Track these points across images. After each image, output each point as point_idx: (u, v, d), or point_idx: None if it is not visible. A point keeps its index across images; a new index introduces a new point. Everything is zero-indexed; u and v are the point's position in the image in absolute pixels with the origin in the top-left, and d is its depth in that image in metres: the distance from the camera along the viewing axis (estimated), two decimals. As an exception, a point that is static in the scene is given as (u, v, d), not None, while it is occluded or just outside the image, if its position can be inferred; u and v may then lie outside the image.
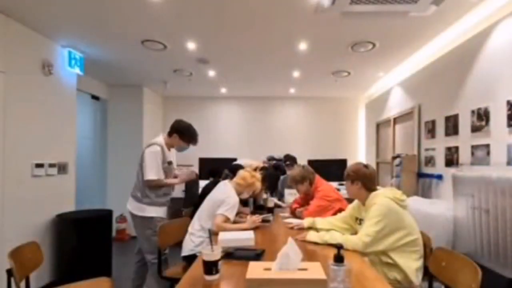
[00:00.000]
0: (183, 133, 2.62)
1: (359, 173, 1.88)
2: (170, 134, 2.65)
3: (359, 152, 6.00)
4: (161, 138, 2.63)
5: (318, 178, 2.81)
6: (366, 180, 1.87)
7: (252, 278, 1.08)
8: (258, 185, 2.41)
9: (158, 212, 2.53)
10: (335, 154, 5.80)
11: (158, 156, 2.49)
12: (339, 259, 1.10)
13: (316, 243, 1.81)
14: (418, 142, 3.67)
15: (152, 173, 2.44)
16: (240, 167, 2.91)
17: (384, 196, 1.76)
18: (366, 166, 1.92)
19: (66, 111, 3.42)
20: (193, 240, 2.14)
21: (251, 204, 3.01)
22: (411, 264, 1.69)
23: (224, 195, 2.21)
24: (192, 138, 2.65)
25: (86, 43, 3.32)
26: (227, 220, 2.12)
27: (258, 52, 3.58)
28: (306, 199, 2.83)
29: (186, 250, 2.15)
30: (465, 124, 2.80)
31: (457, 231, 2.63)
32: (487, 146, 2.50)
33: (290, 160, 4.33)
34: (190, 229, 2.22)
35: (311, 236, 1.86)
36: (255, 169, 2.67)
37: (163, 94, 5.77)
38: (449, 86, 3.07)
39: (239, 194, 2.30)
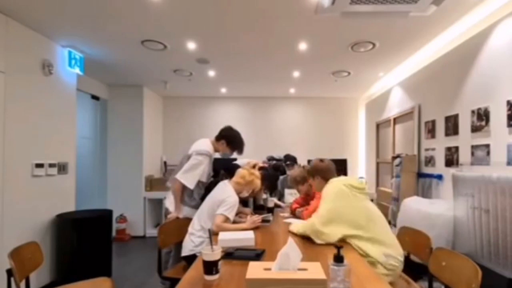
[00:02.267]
0: (231, 141, 2.66)
1: (316, 168, 2.12)
2: (218, 139, 2.69)
3: (359, 152, 6.00)
4: (210, 145, 2.66)
5: (318, 178, 2.81)
6: (323, 173, 2.09)
7: (252, 278, 1.07)
8: (258, 182, 2.40)
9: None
10: (335, 154, 5.80)
11: (201, 166, 2.53)
12: (339, 259, 1.10)
13: (316, 244, 1.81)
14: (418, 142, 3.67)
15: (185, 178, 2.47)
16: (237, 166, 2.92)
17: (336, 181, 1.90)
18: (322, 160, 2.15)
19: (66, 111, 3.42)
20: (193, 240, 2.14)
21: (251, 204, 3.00)
22: (374, 249, 1.67)
23: (224, 195, 2.21)
24: (238, 147, 2.69)
25: (86, 43, 3.32)
26: (226, 220, 2.12)
27: (258, 52, 3.58)
28: (306, 199, 2.83)
29: (186, 250, 2.15)
30: (465, 124, 2.80)
31: (457, 231, 2.63)
32: (487, 146, 2.50)
33: (290, 160, 4.33)
34: (190, 229, 2.22)
35: (292, 227, 2.02)
36: (253, 167, 2.66)
37: (163, 94, 5.77)
38: (449, 86, 3.07)
39: (238, 193, 2.30)
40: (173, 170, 2.86)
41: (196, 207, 2.54)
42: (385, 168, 4.68)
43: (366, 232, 1.71)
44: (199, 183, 2.57)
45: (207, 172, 2.64)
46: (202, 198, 2.42)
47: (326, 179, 2.02)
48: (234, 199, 2.20)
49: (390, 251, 1.68)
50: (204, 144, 2.64)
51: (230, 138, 2.67)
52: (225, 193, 2.23)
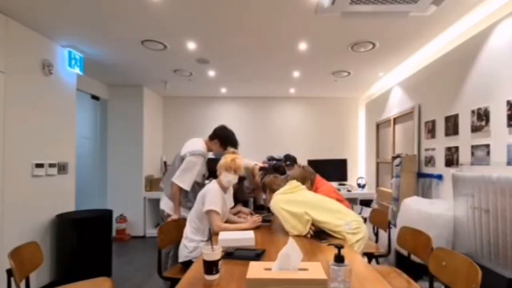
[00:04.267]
0: (225, 141, 2.63)
1: (264, 185, 2.47)
2: (211, 138, 2.66)
3: (359, 152, 6.00)
4: (203, 144, 2.63)
5: (318, 178, 2.81)
6: (270, 187, 2.41)
7: (252, 278, 1.07)
8: (236, 162, 2.25)
9: None
10: (335, 154, 5.81)
11: (196, 167, 2.51)
12: (339, 259, 1.10)
13: (316, 244, 1.81)
14: (418, 142, 3.67)
15: (181, 180, 2.46)
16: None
17: (275, 195, 2.21)
18: (275, 176, 2.50)
19: (66, 111, 3.42)
20: (187, 245, 2.13)
21: (252, 204, 3.00)
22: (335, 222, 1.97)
23: (205, 189, 2.21)
24: (231, 147, 2.65)
25: (86, 43, 3.32)
26: (218, 214, 2.11)
27: (258, 52, 3.57)
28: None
29: (182, 256, 2.15)
30: (465, 124, 2.80)
31: (457, 231, 2.63)
32: (487, 146, 2.50)
33: (290, 160, 4.32)
34: (184, 233, 2.22)
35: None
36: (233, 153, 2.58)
37: (163, 94, 5.77)
38: (449, 86, 3.07)
39: (227, 184, 2.24)
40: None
41: (191, 208, 2.55)
42: (385, 168, 4.68)
43: (319, 210, 2.02)
44: (194, 183, 2.55)
45: (201, 172, 2.62)
46: None
47: (273, 191, 2.33)
48: (213, 189, 2.19)
49: (345, 217, 1.98)
50: (197, 144, 2.60)
51: (223, 138, 2.64)
52: (205, 187, 2.24)
